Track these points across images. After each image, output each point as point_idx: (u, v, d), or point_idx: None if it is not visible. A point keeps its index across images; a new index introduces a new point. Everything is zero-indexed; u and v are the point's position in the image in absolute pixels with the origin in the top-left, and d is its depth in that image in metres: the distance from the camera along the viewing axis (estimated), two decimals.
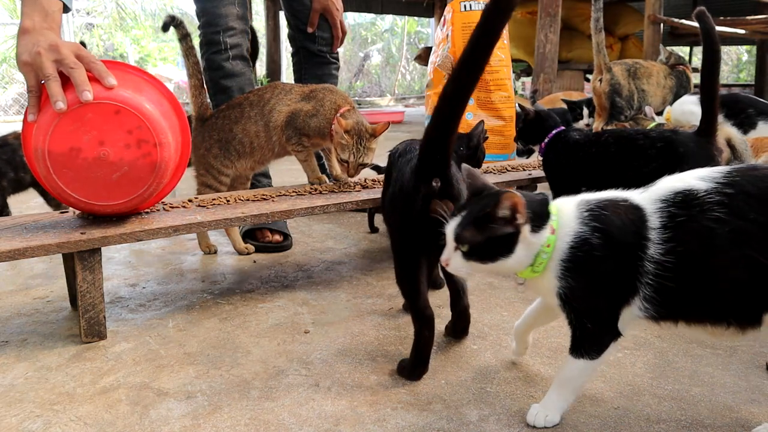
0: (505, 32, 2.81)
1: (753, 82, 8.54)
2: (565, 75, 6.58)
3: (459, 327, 1.55)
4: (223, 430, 1.17)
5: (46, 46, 1.38)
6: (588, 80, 6.46)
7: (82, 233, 1.54)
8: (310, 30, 2.57)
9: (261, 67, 9.11)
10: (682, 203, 1.03)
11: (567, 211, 1.11)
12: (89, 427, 1.19)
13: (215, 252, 2.33)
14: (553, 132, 2.14)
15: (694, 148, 1.89)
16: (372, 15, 14.17)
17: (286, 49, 9.39)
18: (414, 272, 1.35)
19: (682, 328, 1.11)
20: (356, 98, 12.39)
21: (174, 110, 1.59)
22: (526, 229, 1.07)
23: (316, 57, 2.62)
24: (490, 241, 1.08)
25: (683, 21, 5.72)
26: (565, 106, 3.82)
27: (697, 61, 12.90)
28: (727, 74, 14.98)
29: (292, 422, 1.20)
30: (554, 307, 1.15)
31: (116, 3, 12.44)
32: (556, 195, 2.27)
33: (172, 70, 11.95)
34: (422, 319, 1.34)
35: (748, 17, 5.84)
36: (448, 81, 1.22)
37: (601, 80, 3.50)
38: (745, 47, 13.53)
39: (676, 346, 1.52)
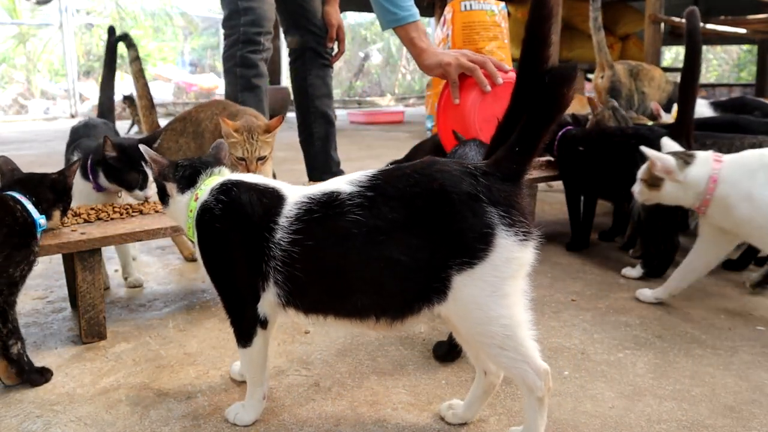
0: (505, 32, 2.80)
1: (754, 82, 8.53)
2: None
3: None
4: (223, 430, 1.17)
5: (458, 53, 1.91)
6: (588, 80, 6.46)
7: (82, 233, 1.54)
8: (330, 45, 2.68)
9: None
10: (324, 203, 1.05)
11: (212, 183, 1.17)
12: (89, 427, 1.18)
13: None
14: (560, 133, 2.32)
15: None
16: (372, 15, 14.17)
17: (285, 48, 9.38)
18: None
19: (332, 321, 1.11)
20: (356, 98, 12.36)
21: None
22: (171, 187, 1.20)
23: (322, 59, 2.68)
24: (159, 190, 1.23)
25: (684, 20, 5.70)
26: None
27: None
28: (728, 74, 14.97)
29: (292, 422, 1.20)
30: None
31: (116, 3, 12.42)
32: (567, 188, 2.35)
33: (172, 70, 11.92)
34: None
35: (749, 16, 5.83)
36: (511, 99, 1.26)
37: (602, 77, 3.51)
38: (745, 46, 13.53)
39: (677, 346, 1.52)
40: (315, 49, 2.65)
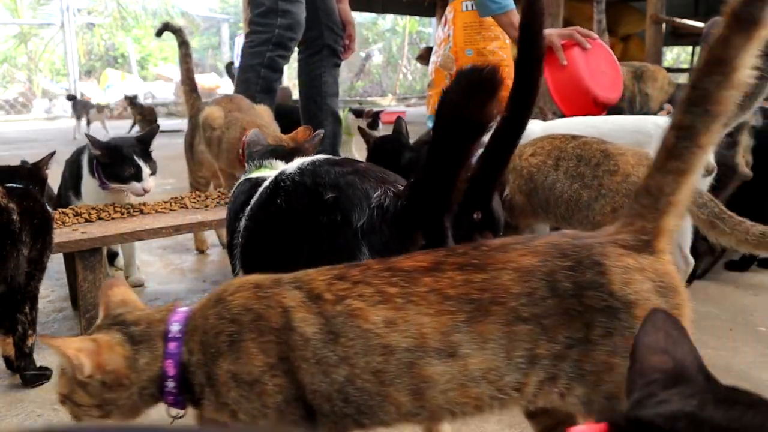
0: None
1: None
2: None
3: None
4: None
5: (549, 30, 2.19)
6: None
7: (82, 233, 1.54)
8: (347, 42, 2.73)
9: None
10: (269, 185, 1.07)
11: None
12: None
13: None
14: None
15: None
16: (373, 14, 14.16)
17: None
18: None
19: None
20: (357, 98, 12.36)
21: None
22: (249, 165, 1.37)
23: (336, 57, 2.72)
24: None
25: (685, 21, 5.71)
26: None
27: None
28: None
29: None
30: None
31: (117, 2, 12.44)
32: None
33: (173, 69, 11.95)
34: None
35: None
36: (499, 121, 1.25)
37: None
38: None
39: None
40: (332, 47, 2.68)
